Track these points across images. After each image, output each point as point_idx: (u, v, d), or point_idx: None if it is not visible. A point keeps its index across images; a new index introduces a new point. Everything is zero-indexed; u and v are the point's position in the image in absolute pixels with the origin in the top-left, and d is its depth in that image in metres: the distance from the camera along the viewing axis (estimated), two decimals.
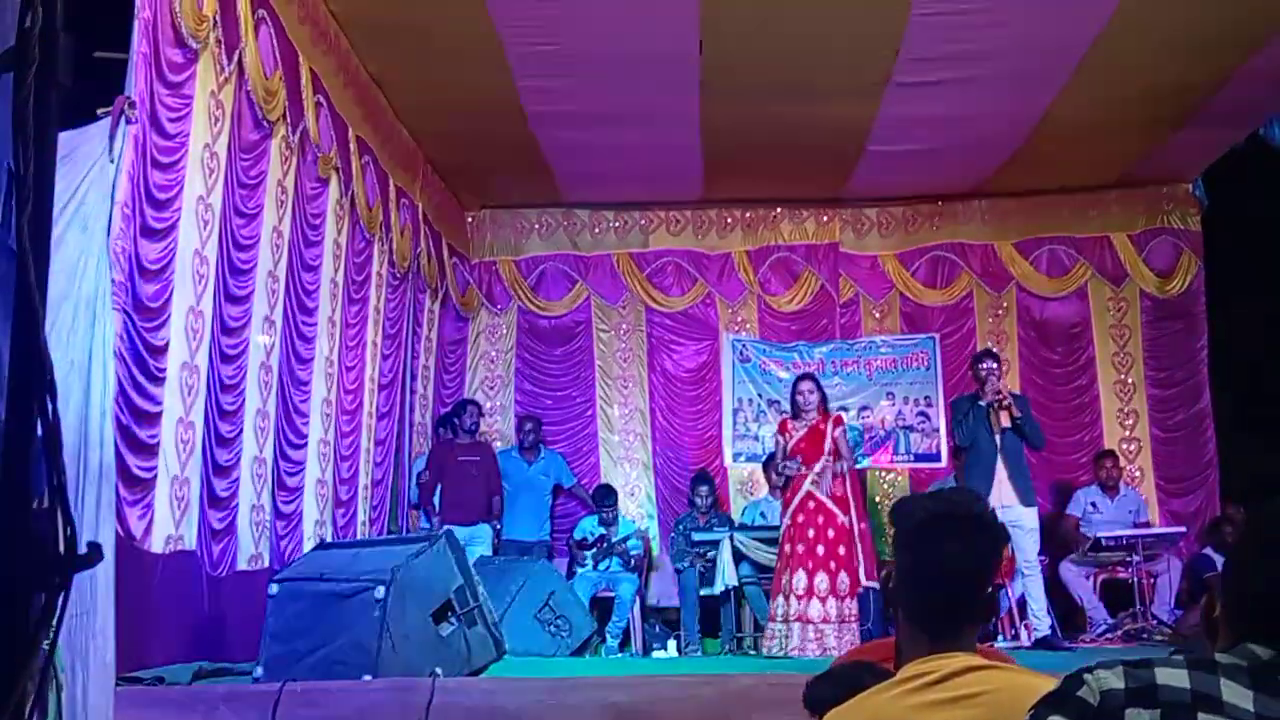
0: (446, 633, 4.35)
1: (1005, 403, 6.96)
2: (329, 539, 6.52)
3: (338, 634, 4.23)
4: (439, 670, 4.09)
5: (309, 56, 6.08)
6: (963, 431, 7.25)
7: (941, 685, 1.94)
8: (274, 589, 4.49)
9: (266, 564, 5.77)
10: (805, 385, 7.07)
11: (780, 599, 6.76)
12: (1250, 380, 9.04)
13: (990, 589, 2.10)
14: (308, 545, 6.13)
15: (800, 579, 6.65)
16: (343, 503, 6.99)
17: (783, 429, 7.09)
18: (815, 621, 6.60)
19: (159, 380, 4.62)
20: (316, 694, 3.95)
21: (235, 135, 5.36)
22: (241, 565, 5.52)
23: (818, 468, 6.79)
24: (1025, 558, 7.05)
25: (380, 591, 4.14)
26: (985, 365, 7.14)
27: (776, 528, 7.90)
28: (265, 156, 5.73)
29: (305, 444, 6.43)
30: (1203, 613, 1.92)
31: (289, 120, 5.87)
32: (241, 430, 5.54)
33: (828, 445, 6.86)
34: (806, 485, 6.81)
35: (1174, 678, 1.74)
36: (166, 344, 4.70)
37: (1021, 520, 6.95)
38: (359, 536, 7.14)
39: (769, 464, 8.83)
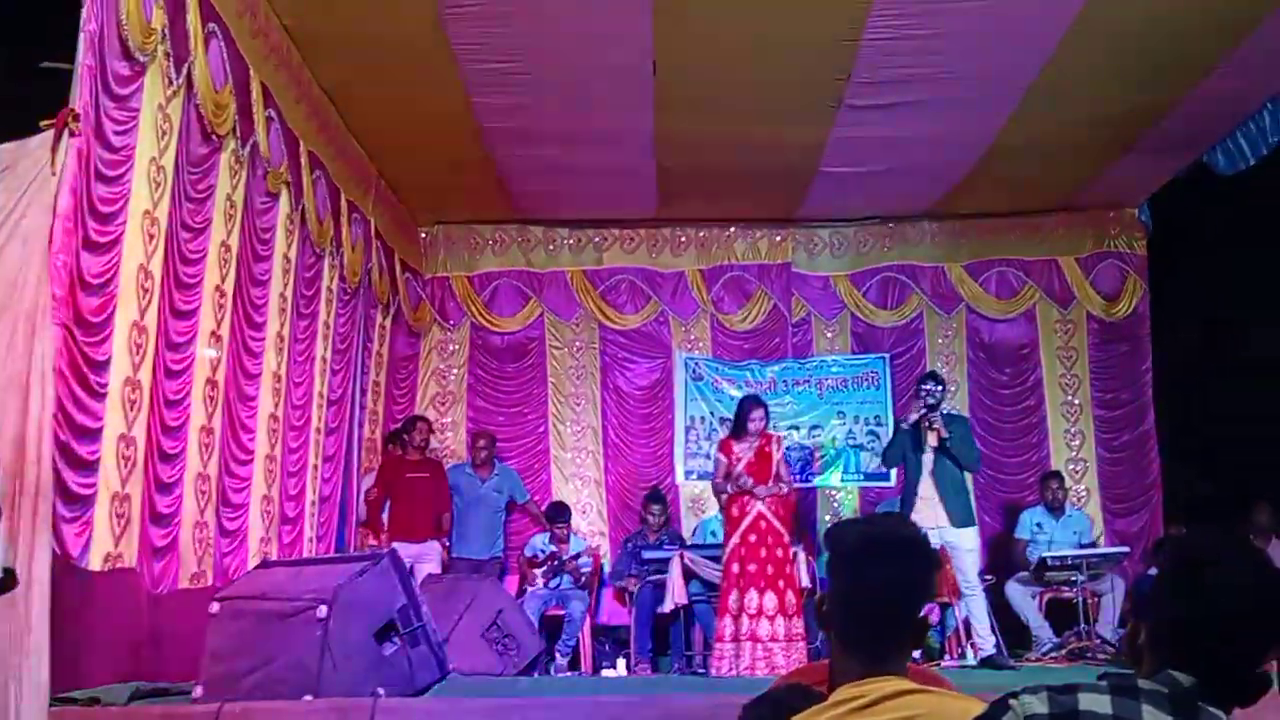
0: (389, 652, 4.31)
1: (933, 424, 7.02)
2: (274, 556, 6.46)
3: (279, 653, 4.18)
4: (381, 690, 4.06)
5: (260, 70, 6.04)
6: (888, 453, 7.34)
7: (871, 709, 1.96)
8: (215, 607, 4.43)
9: (210, 582, 5.69)
10: (758, 413, 7.09)
11: (728, 619, 6.77)
12: (1194, 402, 9.18)
13: (922, 612, 2.12)
14: (253, 562, 6.06)
15: (752, 598, 6.67)
16: (289, 520, 6.92)
17: (726, 449, 7.10)
18: (764, 640, 6.62)
19: (100, 396, 4.56)
20: (256, 714, 3.90)
21: (183, 149, 5.31)
22: (184, 583, 5.45)
23: (765, 491, 6.83)
24: (965, 578, 7.10)
25: (322, 610, 4.11)
26: (925, 387, 7.21)
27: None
28: (214, 170, 5.68)
29: (251, 460, 6.36)
30: (1127, 639, 1.95)
31: (239, 134, 5.83)
32: (185, 446, 5.47)
33: (774, 470, 6.93)
34: (758, 506, 6.83)
35: (1096, 703, 1.76)
36: (109, 359, 4.64)
37: (959, 541, 7.01)
38: (306, 554, 7.07)
39: None
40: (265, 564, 5.39)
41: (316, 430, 7.45)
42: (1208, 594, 1.80)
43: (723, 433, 9.54)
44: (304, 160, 6.81)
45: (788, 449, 8.49)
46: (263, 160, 6.19)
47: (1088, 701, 1.76)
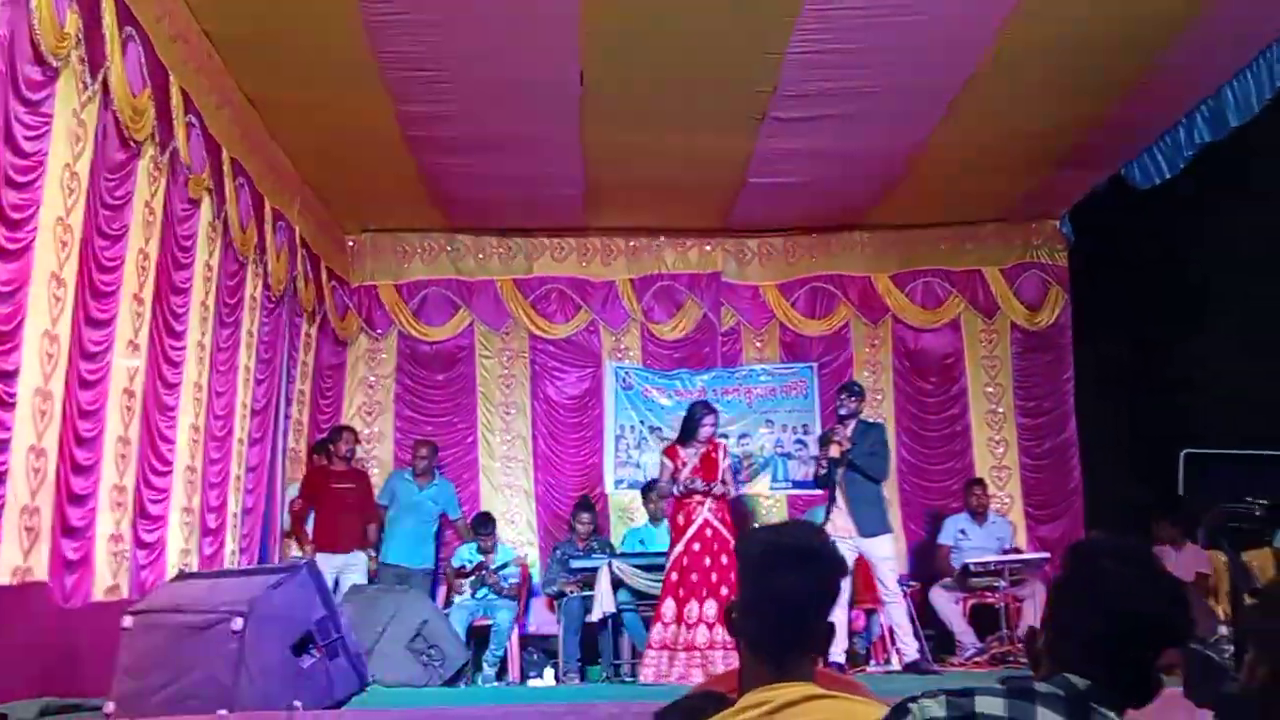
0: (307, 665, 4.26)
1: (835, 437, 7.11)
2: (195, 569, 6.35)
3: (193, 667, 4.11)
4: (298, 703, 4.01)
5: (180, 76, 5.94)
6: (817, 466, 7.43)
7: (777, 714, 1.98)
8: (127, 621, 4.35)
9: (125, 595, 5.56)
10: (710, 418, 7.14)
11: (659, 626, 6.77)
12: (1113, 411, 9.36)
13: (828, 619, 2.15)
14: (172, 575, 5.95)
15: (693, 607, 6.68)
16: (210, 531, 6.81)
17: (672, 455, 7.12)
18: (701, 648, 6.64)
19: (8, 406, 4.44)
20: None
21: (99, 155, 5.19)
22: (98, 596, 5.32)
23: (715, 493, 6.86)
24: (884, 586, 7.19)
25: (238, 623, 4.04)
26: (839, 398, 7.31)
27: (656, 554, 7.95)
28: (132, 177, 5.57)
29: (170, 471, 6.24)
30: (1026, 643, 1.99)
31: (158, 140, 5.73)
32: (100, 458, 5.36)
33: (719, 474, 6.97)
34: (703, 513, 6.85)
35: (992, 706, 1.79)
36: (18, 369, 4.52)
37: (872, 550, 7.09)
38: (228, 566, 6.96)
39: (647, 491, 8.89)
40: (181, 576, 5.30)
41: (239, 440, 7.34)
42: (1101, 599, 1.84)
43: (653, 442, 9.63)
44: (226, 167, 6.72)
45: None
46: (183, 167, 6.08)
47: (984, 705, 1.79)
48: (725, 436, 9.47)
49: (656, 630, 6.83)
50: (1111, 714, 1.79)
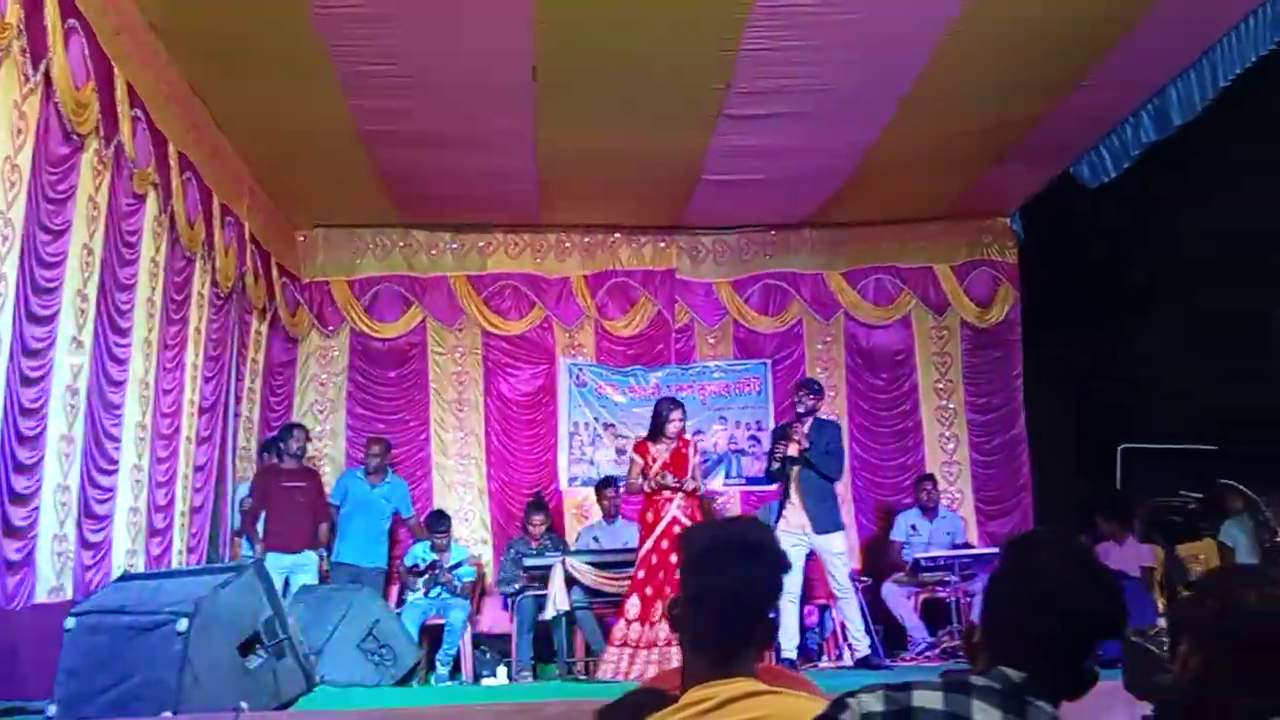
0: (253, 665, 4.21)
1: (793, 434, 7.14)
2: (142, 569, 6.26)
3: (137, 669, 4.05)
4: (244, 705, 3.96)
5: (125, 68, 5.85)
6: (768, 466, 7.46)
7: (718, 711, 1.98)
8: (70, 623, 4.28)
9: (70, 596, 5.47)
10: (677, 414, 7.14)
11: (621, 623, 6.76)
12: (1061, 407, 9.49)
13: (770, 613, 2.15)
14: (118, 575, 5.86)
15: (659, 606, 6.68)
16: (158, 531, 6.72)
17: (642, 451, 7.11)
18: (660, 645, 6.63)
19: None
20: None
21: (41, 148, 5.10)
22: (41, 598, 5.23)
23: (691, 485, 6.87)
24: (836, 582, 7.24)
25: (183, 624, 3.99)
26: (797, 395, 7.35)
27: (610, 552, 7.95)
28: (75, 170, 5.48)
29: (116, 470, 6.15)
30: (964, 637, 2.01)
31: (102, 133, 5.64)
32: (43, 456, 5.27)
33: (690, 469, 6.96)
34: (673, 510, 6.83)
35: (929, 700, 1.81)
36: None
37: (825, 545, 7.14)
38: (175, 566, 6.87)
39: (602, 488, 8.89)
40: (126, 577, 5.21)
41: (187, 439, 7.25)
42: (1035, 593, 1.86)
43: (607, 439, 9.63)
44: (173, 161, 6.63)
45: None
46: (128, 161, 6.00)
47: (921, 699, 1.81)
48: (700, 433, 9.53)
49: (619, 627, 6.82)
50: (1047, 706, 1.81)
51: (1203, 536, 7.33)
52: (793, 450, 7.12)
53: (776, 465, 7.22)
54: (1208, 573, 2.03)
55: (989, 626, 1.93)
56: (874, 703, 1.82)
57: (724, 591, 2.04)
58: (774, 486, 9.00)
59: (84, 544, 5.77)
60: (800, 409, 7.23)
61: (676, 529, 6.70)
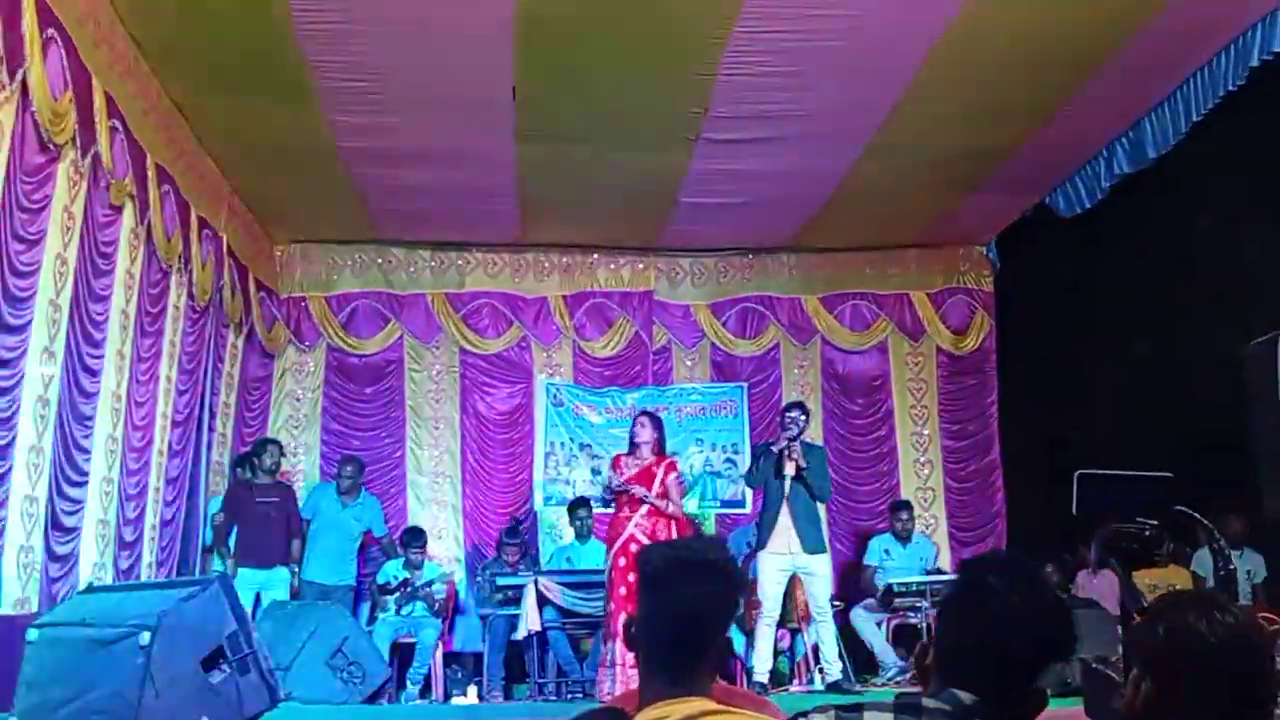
0: (217, 680, 4.17)
1: (792, 454, 7.14)
2: (110, 582, 6.21)
3: (99, 682, 4.01)
4: (205, 719, 3.93)
5: (105, 80, 5.85)
6: (752, 476, 7.45)
7: None
8: (32, 635, 4.24)
9: (35, 608, 5.43)
10: (641, 419, 7.15)
11: (616, 641, 6.69)
12: (1035, 434, 9.52)
13: (725, 633, 2.16)
14: (83, 588, 5.82)
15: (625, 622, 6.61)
16: (127, 544, 6.67)
17: (616, 464, 7.09)
18: (626, 665, 6.58)
19: None
20: None
21: (17, 157, 5.09)
22: (6, 609, 5.19)
23: (643, 509, 6.80)
24: (817, 604, 7.23)
25: (145, 637, 3.96)
26: (790, 415, 7.34)
27: (583, 572, 7.94)
28: (51, 180, 5.46)
29: (86, 482, 6.11)
30: (916, 659, 2.02)
31: (79, 144, 5.62)
32: (11, 467, 5.23)
33: (656, 487, 6.87)
34: (630, 528, 6.80)
35: None
36: None
37: (811, 567, 7.14)
38: (145, 580, 6.82)
39: (574, 508, 8.88)
40: (91, 589, 5.18)
41: (159, 452, 7.21)
42: (986, 616, 1.87)
43: (583, 459, 9.62)
44: (151, 173, 6.61)
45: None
46: (105, 172, 5.98)
47: (872, 719, 1.82)
48: (676, 454, 9.47)
49: (610, 648, 6.71)
50: None
51: (1163, 563, 7.38)
52: (790, 470, 7.12)
53: (775, 479, 7.12)
54: (1159, 598, 2.04)
55: (941, 648, 1.95)
56: None
57: (679, 611, 2.05)
58: (749, 509, 9.07)
59: (51, 556, 5.72)
60: (793, 430, 7.22)
61: (632, 547, 6.63)
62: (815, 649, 7.60)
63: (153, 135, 6.63)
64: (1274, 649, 2.07)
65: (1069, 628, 1.87)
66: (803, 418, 7.39)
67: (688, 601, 2.04)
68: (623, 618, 6.34)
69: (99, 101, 5.78)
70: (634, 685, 6.15)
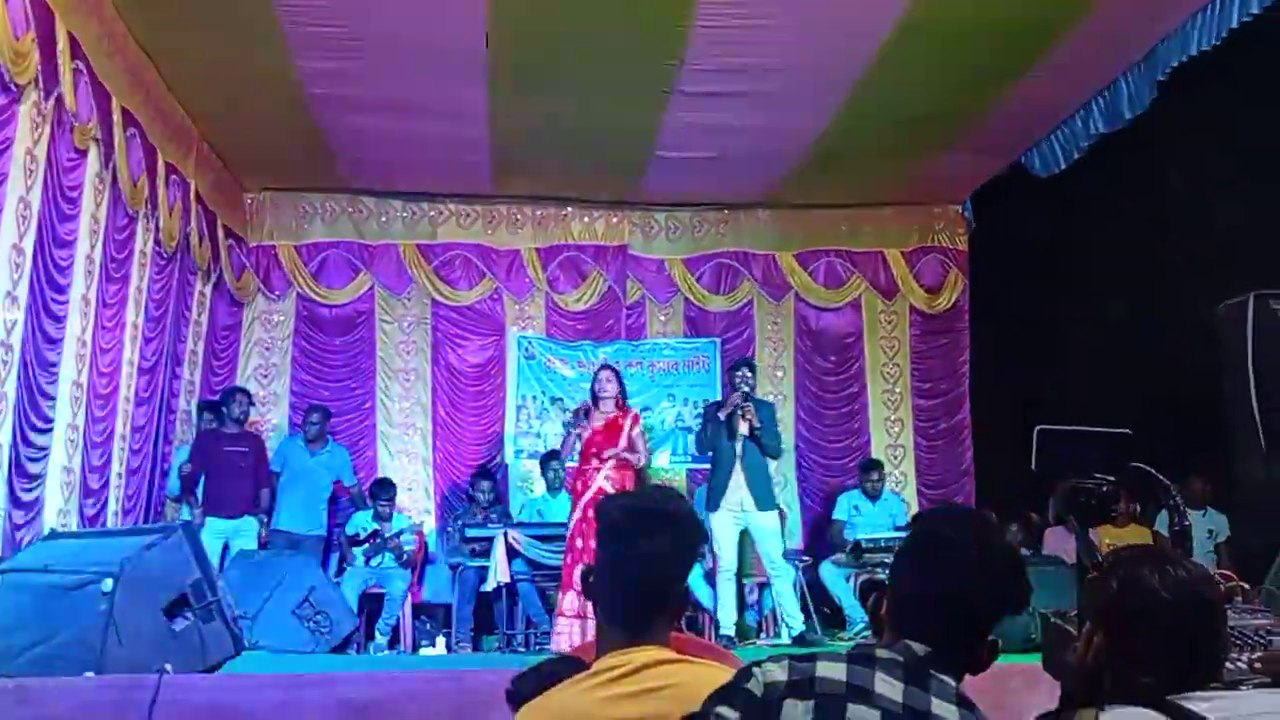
0: (180, 628, 4.17)
1: (746, 414, 7.14)
2: (74, 529, 6.18)
3: (61, 628, 4.00)
4: (168, 666, 3.92)
5: (68, 20, 5.73)
6: (703, 438, 7.44)
7: (629, 678, 1.99)
8: None
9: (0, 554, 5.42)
10: (604, 374, 7.15)
11: (572, 594, 6.73)
12: (1005, 393, 9.56)
13: (684, 583, 2.16)
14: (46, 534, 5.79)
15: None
16: (92, 492, 6.63)
17: (585, 415, 7.07)
18: (591, 616, 6.61)
19: None
20: (30, 690, 3.73)
21: None
22: None
23: (609, 456, 6.81)
24: (770, 560, 7.25)
25: (108, 584, 3.94)
26: (740, 373, 7.33)
27: (553, 525, 7.95)
28: (12, 122, 5.37)
29: (51, 429, 6.06)
30: (870, 610, 2.03)
31: (42, 86, 5.53)
32: None
33: (623, 440, 6.89)
34: (599, 480, 6.81)
35: (833, 670, 1.82)
36: None
37: (763, 523, 7.15)
38: (110, 527, 6.79)
39: (546, 461, 8.88)
40: (54, 535, 5.15)
41: (125, 399, 7.15)
42: (939, 567, 1.88)
43: (554, 413, 9.62)
44: (117, 117, 6.50)
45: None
46: (69, 115, 5.89)
47: (825, 669, 1.82)
48: (648, 409, 9.50)
49: (569, 598, 6.75)
50: (950, 680, 1.83)
51: (1123, 523, 7.45)
52: (744, 429, 7.11)
53: (726, 440, 7.14)
54: (1113, 552, 2.06)
55: (894, 599, 1.95)
56: (779, 672, 1.83)
57: (639, 560, 2.05)
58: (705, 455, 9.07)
59: (15, 502, 5.69)
60: (745, 387, 7.21)
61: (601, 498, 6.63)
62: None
63: (119, 78, 6.52)
64: (1226, 605, 2.09)
65: (1022, 580, 1.88)
66: (751, 375, 7.38)
67: (645, 551, 2.04)
68: (579, 568, 6.39)
69: (62, 42, 5.68)
70: (576, 636, 6.19)
